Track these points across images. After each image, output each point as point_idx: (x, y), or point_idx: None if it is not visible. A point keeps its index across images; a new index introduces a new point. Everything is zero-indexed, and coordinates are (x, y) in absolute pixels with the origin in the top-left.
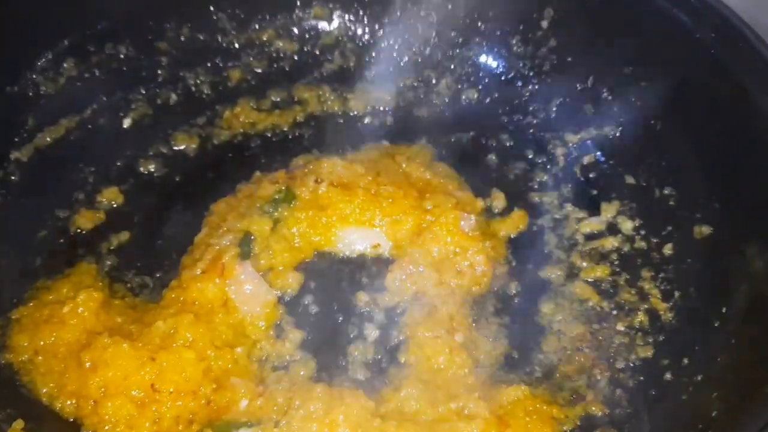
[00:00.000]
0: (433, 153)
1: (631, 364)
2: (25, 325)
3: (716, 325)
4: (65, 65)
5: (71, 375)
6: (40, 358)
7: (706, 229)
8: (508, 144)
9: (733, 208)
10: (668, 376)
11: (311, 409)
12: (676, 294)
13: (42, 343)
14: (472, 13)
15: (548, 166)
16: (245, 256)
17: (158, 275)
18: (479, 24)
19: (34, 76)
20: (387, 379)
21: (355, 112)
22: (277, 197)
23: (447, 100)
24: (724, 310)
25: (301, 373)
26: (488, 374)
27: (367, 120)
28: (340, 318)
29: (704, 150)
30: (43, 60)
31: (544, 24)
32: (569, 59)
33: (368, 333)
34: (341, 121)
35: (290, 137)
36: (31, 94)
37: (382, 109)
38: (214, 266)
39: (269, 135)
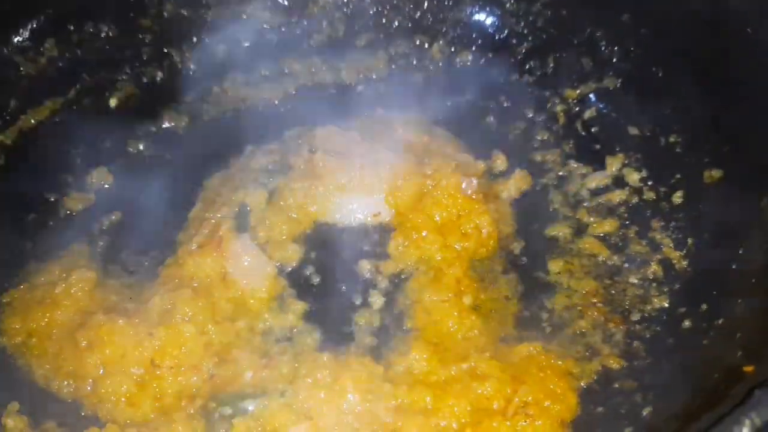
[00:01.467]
0: (430, 119)
1: (647, 315)
2: (17, 307)
3: (734, 267)
4: (46, 45)
5: (67, 356)
6: (33, 340)
7: (716, 173)
8: (506, 104)
9: (743, 148)
10: (687, 323)
11: (318, 377)
12: (689, 241)
13: (35, 325)
14: None
15: (549, 124)
16: (242, 229)
17: (152, 254)
18: None
19: (14, 57)
20: (394, 345)
21: (348, 82)
22: (271, 168)
23: (441, 65)
24: (741, 251)
25: (307, 341)
26: (499, 334)
27: (360, 89)
28: (344, 287)
29: (709, 92)
30: (20, 38)
31: None
32: (564, 12)
33: (373, 301)
34: (334, 91)
35: (282, 110)
36: (11, 75)
37: (374, 77)
38: (211, 240)
39: (260, 109)
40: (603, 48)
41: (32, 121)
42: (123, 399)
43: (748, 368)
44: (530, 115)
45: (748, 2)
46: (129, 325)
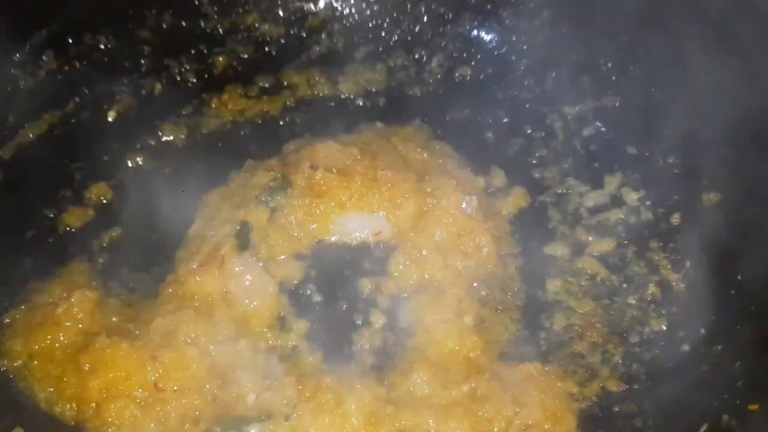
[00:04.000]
0: (428, 133)
1: (646, 338)
2: (18, 329)
3: (732, 293)
4: (44, 58)
5: (69, 378)
6: (35, 362)
7: (714, 196)
8: (504, 120)
9: (741, 172)
10: (685, 347)
11: (322, 401)
12: (687, 264)
13: (36, 347)
14: None
15: (547, 141)
16: (243, 247)
17: (153, 271)
18: None
19: (12, 71)
20: (396, 365)
21: (347, 95)
22: (272, 185)
23: (440, 78)
24: (739, 277)
25: (309, 361)
26: (499, 354)
27: (359, 102)
28: (345, 306)
29: (708, 115)
30: (21, 54)
31: None
32: (564, 30)
33: (374, 320)
34: (332, 104)
35: (281, 123)
36: (9, 89)
37: (373, 90)
38: (212, 259)
39: (259, 122)
40: (602, 66)
41: (30, 135)
42: (126, 423)
43: (753, 407)
44: (529, 132)
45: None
46: (132, 348)
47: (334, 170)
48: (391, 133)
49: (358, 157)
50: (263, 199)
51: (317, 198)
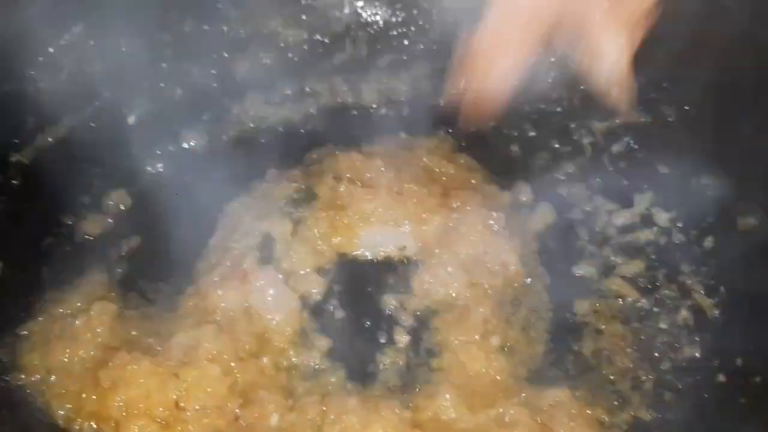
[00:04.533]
0: (453, 145)
1: (678, 365)
2: (35, 342)
3: None
4: (65, 60)
5: (89, 395)
6: (53, 377)
7: (751, 221)
8: (531, 134)
9: None
10: (721, 377)
11: (347, 424)
12: (722, 289)
13: (54, 361)
14: None
15: (575, 156)
16: (267, 261)
17: (172, 281)
18: None
19: (33, 73)
20: (420, 386)
21: (370, 104)
22: (296, 197)
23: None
24: None
25: (332, 380)
26: (526, 378)
27: (382, 111)
28: (367, 323)
29: (746, 135)
30: (42, 57)
31: None
32: None
33: (398, 338)
34: (355, 112)
35: (302, 131)
36: (30, 92)
37: (397, 99)
38: (235, 272)
39: (281, 129)
40: (634, 82)
41: (49, 139)
42: None
43: None
44: (556, 146)
45: None
46: (154, 364)
47: (358, 182)
48: (415, 144)
49: (382, 169)
50: (287, 210)
51: (341, 211)
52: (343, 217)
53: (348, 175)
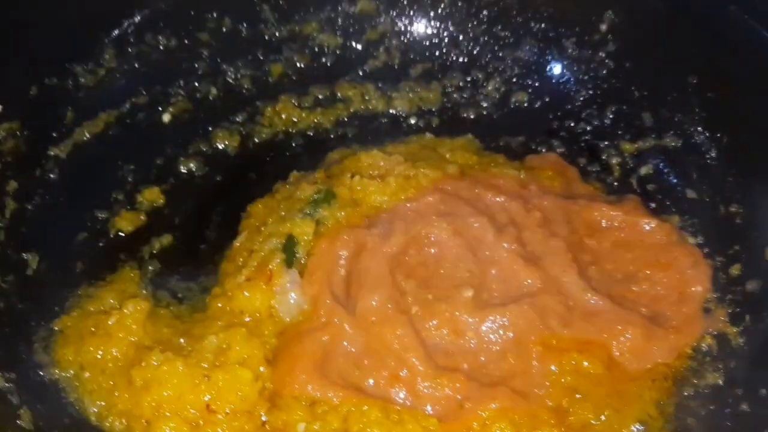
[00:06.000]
0: (480, 147)
1: (701, 391)
2: (70, 336)
3: None
4: (105, 56)
5: (121, 393)
6: (87, 374)
7: None
8: (559, 150)
9: None
10: (744, 407)
11: None
12: (747, 318)
13: (89, 357)
14: (525, 12)
15: (602, 176)
16: (290, 263)
17: (201, 281)
18: (532, 24)
19: (73, 68)
20: None
21: (400, 112)
22: (316, 197)
23: (495, 103)
24: None
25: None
26: None
27: (411, 120)
28: None
29: None
30: (83, 51)
31: (603, 27)
32: (628, 65)
33: None
34: (385, 120)
35: (332, 136)
36: (70, 86)
37: (427, 109)
38: (261, 273)
39: (311, 134)
40: (666, 105)
41: (86, 134)
42: None
43: None
44: (583, 164)
45: None
46: (186, 365)
47: (373, 176)
48: (440, 143)
49: (399, 163)
50: (307, 211)
51: (357, 207)
52: (358, 213)
53: (365, 172)
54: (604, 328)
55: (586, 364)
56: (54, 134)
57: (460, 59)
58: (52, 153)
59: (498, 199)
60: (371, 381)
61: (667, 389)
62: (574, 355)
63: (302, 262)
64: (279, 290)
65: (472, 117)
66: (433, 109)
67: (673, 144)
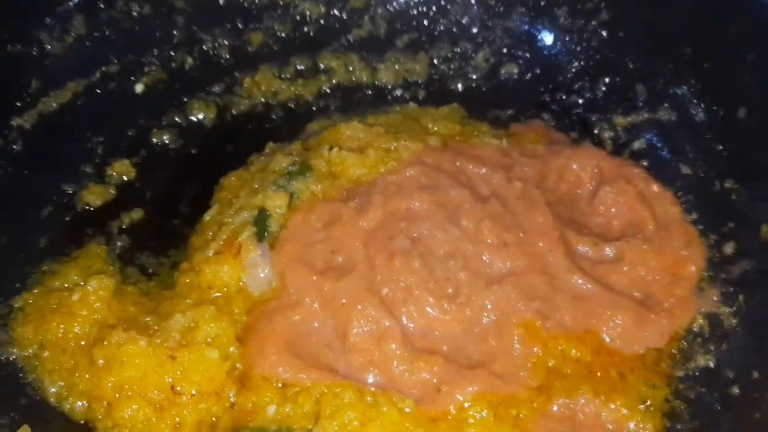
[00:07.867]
0: (464, 114)
1: (691, 374)
2: (30, 314)
3: None
4: (74, 23)
5: (82, 373)
6: (46, 353)
7: None
8: (550, 124)
9: None
10: (735, 390)
11: (345, 421)
12: (740, 298)
13: (49, 336)
14: None
15: None
16: (261, 236)
17: (173, 255)
18: None
19: (39, 34)
20: None
21: (385, 84)
22: (291, 169)
23: (484, 74)
24: None
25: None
26: None
27: (397, 92)
28: None
29: None
30: (50, 17)
31: None
32: (621, 35)
33: None
34: (369, 92)
35: (314, 108)
36: (35, 53)
37: (413, 81)
38: (229, 247)
39: (292, 105)
40: (660, 78)
41: (53, 104)
42: (139, 426)
43: None
44: (575, 138)
45: None
46: (150, 344)
47: (352, 149)
48: (423, 113)
49: (380, 134)
50: (281, 184)
51: (335, 180)
52: (336, 187)
53: (346, 145)
54: (592, 314)
55: (574, 351)
56: (18, 104)
57: (449, 29)
58: (15, 123)
59: (480, 170)
60: (344, 363)
61: (658, 372)
62: (562, 342)
63: (275, 236)
64: (248, 264)
65: (460, 89)
66: (420, 81)
67: (667, 117)
